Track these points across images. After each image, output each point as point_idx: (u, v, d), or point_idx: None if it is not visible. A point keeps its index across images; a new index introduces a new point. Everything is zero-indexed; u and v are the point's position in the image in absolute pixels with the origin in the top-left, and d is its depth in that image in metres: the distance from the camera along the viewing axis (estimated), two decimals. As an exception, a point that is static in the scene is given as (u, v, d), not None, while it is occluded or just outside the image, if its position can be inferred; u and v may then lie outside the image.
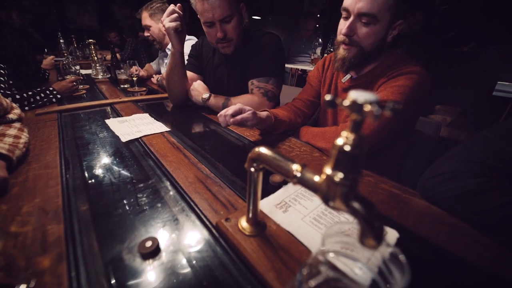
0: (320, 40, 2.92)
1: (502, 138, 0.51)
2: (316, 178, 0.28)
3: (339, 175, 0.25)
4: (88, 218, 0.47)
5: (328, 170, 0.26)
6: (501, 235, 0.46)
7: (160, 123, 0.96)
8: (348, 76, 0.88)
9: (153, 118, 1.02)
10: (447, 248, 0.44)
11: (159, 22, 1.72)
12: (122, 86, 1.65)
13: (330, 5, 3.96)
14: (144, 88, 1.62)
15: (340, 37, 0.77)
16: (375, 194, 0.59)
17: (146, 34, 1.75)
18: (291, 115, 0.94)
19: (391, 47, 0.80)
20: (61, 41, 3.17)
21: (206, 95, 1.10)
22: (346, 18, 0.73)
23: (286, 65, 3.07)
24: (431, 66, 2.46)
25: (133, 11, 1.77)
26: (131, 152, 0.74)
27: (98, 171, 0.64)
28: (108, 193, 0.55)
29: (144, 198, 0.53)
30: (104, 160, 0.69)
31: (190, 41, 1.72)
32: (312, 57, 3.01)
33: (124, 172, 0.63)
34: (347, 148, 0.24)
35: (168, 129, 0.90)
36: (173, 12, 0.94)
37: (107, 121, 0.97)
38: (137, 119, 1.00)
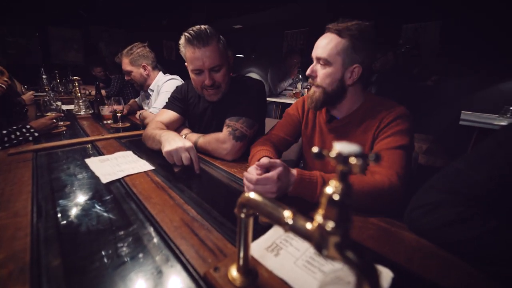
0: (300, 76, 3.12)
1: (471, 167, 0.55)
2: (309, 226, 0.28)
3: (330, 224, 0.25)
4: (59, 276, 0.42)
5: (319, 218, 0.26)
6: (483, 263, 0.47)
7: (144, 161, 0.94)
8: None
9: (136, 156, 0.99)
10: (442, 284, 0.43)
11: (140, 67, 1.74)
12: (105, 122, 1.62)
13: (307, 45, 4.33)
14: (128, 124, 1.61)
15: (309, 80, 0.90)
16: (365, 229, 0.59)
17: (127, 78, 1.77)
18: (275, 155, 0.94)
19: (362, 89, 0.89)
20: (44, 76, 3.16)
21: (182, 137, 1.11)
22: (313, 61, 0.88)
23: (272, 99, 3.21)
24: (403, 100, 2.67)
25: (120, 48, 1.81)
26: (112, 195, 0.70)
27: (74, 218, 0.59)
28: (84, 244, 0.50)
29: (124, 248, 0.49)
30: (81, 205, 0.65)
31: (175, 81, 1.76)
32: (294, 91, 3.18)
33: (104, 218, 0.59)
34: (336, 197, 0.24)
35: (152, 168, 0.88)
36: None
37: (87, 160, 0.93)
38: (120, 158, 0.97)
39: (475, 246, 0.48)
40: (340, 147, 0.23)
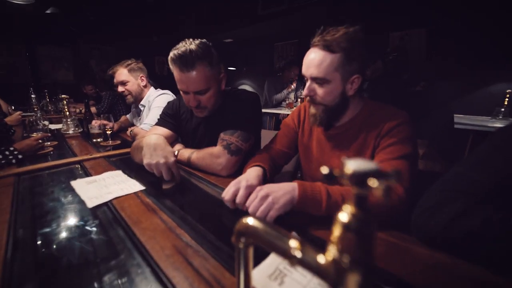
0: (293, 86, 3.14)
1: (470, 169, 0.57)
2: (321, 259, 0.23)
3: (347, 259, 0.21)
4: (31, 325, 0.36)
5: (333, 251, 0.22)
6: (487, 258, 0.48)
7: (134, 180, 0.88)
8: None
9: (126, 176, 0.94)
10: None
11: (138, 78, 1.75)
12: (94, 140, 1.56)
13: (297, 56, 4.40)
14: (119, 141, 1.55)
15: (305, 98, 0.87)
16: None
17: (121, 89, 1.74)
18: (271, 168, 0.91)
19: (360, 95, 0.87)
20: (32, 96, 3.10)
21: (174, 153, 1.06)
22: (307, 81, 0.83)
23: (266, 110, 3.20)
24: (395, 105, 2.71)
25: (112, 65, 1.79)
26: (98, 220, 0.64)
27: (55, 251, 0.53)
28: (64, 282, 0.44)
29: (109, 284, 0.43)
30: (63, 234, 0.59)
31: (166, 96, 1.74)
32: (287, 102, 3.18)
33: (87, 249, 0.53)
34: (353, 226, 0.20)
35: (142, 188, 0.82)
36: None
37: (72, 182, 0.87)
38: (108, 178, 0.91)
39: (481, 236, 0.49)
40: (354, 165, 0.19)
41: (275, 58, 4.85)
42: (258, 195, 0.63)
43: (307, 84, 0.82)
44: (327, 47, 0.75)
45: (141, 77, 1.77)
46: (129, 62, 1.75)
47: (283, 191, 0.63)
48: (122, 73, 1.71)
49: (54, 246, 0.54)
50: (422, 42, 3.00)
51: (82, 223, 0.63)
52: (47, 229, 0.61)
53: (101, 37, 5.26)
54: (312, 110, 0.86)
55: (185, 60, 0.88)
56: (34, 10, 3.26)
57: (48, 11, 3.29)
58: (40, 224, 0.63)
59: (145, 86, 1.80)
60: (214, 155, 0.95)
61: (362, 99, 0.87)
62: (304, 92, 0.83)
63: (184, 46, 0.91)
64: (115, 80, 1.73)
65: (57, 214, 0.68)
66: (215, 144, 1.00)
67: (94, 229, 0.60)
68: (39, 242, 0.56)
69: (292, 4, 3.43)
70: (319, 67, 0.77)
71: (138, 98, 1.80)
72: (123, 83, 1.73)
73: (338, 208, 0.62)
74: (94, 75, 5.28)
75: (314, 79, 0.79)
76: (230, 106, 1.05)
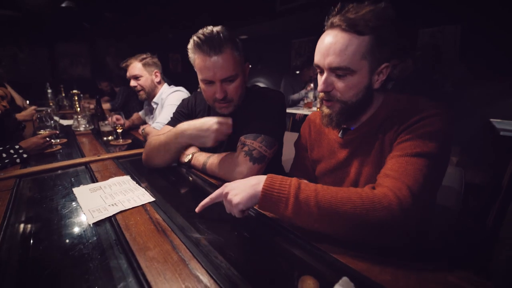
0: (312, 85, 2.98)
1: None
2: None
3: None
4: None
5: None
6: None
7: (143, 190, 0.77)
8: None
9: (134, 183, 0.83)
10: None
11: (152, 74, 1.67)
12: (105, 138, 1.48)
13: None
14: (129, 140, 1.46)
15: (320, 94, 0.70)
16: None
17: (133, 83, 1.66)
18: None
19: (383, 89, 0.70)
20: (49, 91, 3.10)
21: (188, 157, 0.95)
22: (321, 73, 0.66)
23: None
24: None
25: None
26: (97, 242, 0.53)
27: (41, 284, 0.42)
28: None
29: None
30: (55, 259, 0.48)
31: (180, 93, 1.64)
32: (305, 101, 3.02)
33: (81, 284, 0.42)
34: None
35: (151, 199, 0.71)
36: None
37: (75, 190, 0.78)
38: (114, 185, 0.81)
39: None
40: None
41: (292, 55, 4.68)
42: (222, 193, 0.59)
43: (324, 76, 0.65)
44: (353, 27, 0.58)
45: (155, 73, 1.69)
46: (144, 56, 1.67)
47: (243, 186, 0.56)
48: (135, 67, 1.63)
49: (42, 276, 0.44)
50: (456, 39, 2.74)
51: (80, 246, 0.52)
52: (37, 253, 0.50)
53: (117, 33, 5.28)
54: (326, 110, 0.70)
55: (212, 43, 0.78)
56: (50, 5, 3.27)
57: (63, 5, 3.28)
58: (32, 245, 0.53)
59: (159, 83, 1.72)
60: (234, 162, 0.83)
61: (383, 91, 0.70)
62: (320, 87, 0.66)
63: (208, 30, 0.81)
64: (128, 74, 1.66)
65: (53, 231, 0.58)
66: (234, 148, 0.88)
67: (92, 255, 0.49)
68: (24, 269, 0.46)
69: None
70: (342, 53, 0.60)
71: (151, 94, 1.71)
72: (136, 77, 1.65)
73: (306, 212, 0.47)
74: (110, 71, 5.32)
75: (334, 70, 0.62)
76: (254, 105, 0.92)
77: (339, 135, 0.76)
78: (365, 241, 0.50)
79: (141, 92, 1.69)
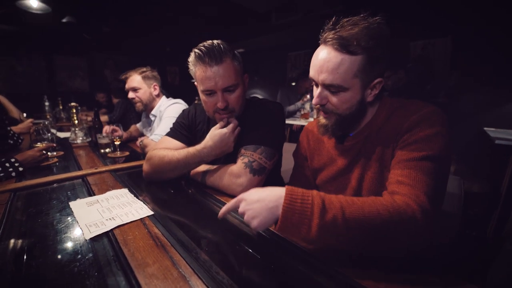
0: (308, 96, 3.02)
1: None
2: None
3: None
4: None
5: None
6: None
7: (141, 203, 0.76)
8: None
9: (132, 196, 0.82)
10: None
11: (151, 86, 1.69)
12: (102, 151, 1.47)
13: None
14: (127, 153, 1.45)
15: (315, 106, 0.71)
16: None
17: (131, 95, 1.68)
18: None
19: (379, 99, 0.72)
20: (46, 103, 3.10)
21: None
22: (317, 86, 0.68)
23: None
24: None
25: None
26: (94, 259, 0.51)
27: (34, 305, 0.41)
28: None
29: None
30: (50, 277, 0.47)
31: (178, 105, 1.66)
32: (302, 112, 3.06)
33: (76, 305, 0.40)
34: None
35: (150, 213, 0.70)
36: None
37: (71, 203, 0.76)
38: (112, 198, 0.79)
39: None
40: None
41: (288, 67, 4.77)
42: (239, 210, 0.55)
43: (318, 90, 0.67)
44: (345, 47, 0.59)
45: (154, 86, 1.71)
46: (144, 69, 1.70)
47: (260, 208, 0.51)
48: (134, 80, 1.66)
49: (35, 298, 0.42)
50: (447, 50, 2.83)
51: (76, 263, 0.50)
52: (30, 271, 0.48)
53: (115, 47, 5.35)
54: (322, 120, 0.72)
55: (213, 53, 0.81)
56: (51, 20, 3.32)
57: (64, 20, 3.34)
58: (24, 261, 0.51)
59: (157, 95, 1.74)
60: (233, 173, 0.82)
61: (379, 98, 0.72)
62: (314, 100, 0.68)
63: (208, 43, 0.84)
64: (126, 86, 1.68)
65: (47, 247, 0.56)
66: (234, 160, 0.87)
67: (88, 273, 0.47)
68: (19, 286, 0.44)
69: (307, 14, 3.36)
70: (334, 72, 0.61)
71: (148, 106, 1.73)
72: (135, 90, 1.67)
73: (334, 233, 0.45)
74: (108, 84, 5.35)
75: (328, 87, 0.65)
76: (253, 116, 0.93)
77: (338, 142, 0.77)
78: (389, 252, 0.49)
79: (138, 104, 1.70)
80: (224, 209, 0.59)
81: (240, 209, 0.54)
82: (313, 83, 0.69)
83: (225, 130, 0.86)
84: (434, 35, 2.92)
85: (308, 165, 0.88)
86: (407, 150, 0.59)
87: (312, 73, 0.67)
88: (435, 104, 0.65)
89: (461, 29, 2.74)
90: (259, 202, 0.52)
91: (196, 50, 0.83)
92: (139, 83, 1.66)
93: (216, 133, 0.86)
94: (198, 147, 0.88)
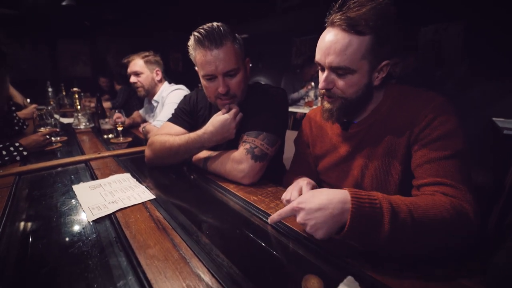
0: (313, 83, 2.96)
1: None
2: None
3: None
4: None
5: None
6: None
7: (143, 187, 0.77)
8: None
9: (135, 180, 0.82)
10: None
11: (153, 72, 1.66)
12: (105, 136, 1.48)
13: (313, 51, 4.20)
14: (130, 138, 1.46)
15: (321, 90, 0.69)
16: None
17: (133, 79, 1.65)
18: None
19: (385, 84, 0.70)
20: (49, 89, 3.10)
21: None
22: (322, 70, 0.66)
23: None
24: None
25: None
26: (97, 240, 0.52)
27: (40, 281, 0.42)
28: None
29: None
30: (54, 257, 0.48)
31: (181, 91, 1.64)
32: (306, 100, 3.01)
33: (80, 282, 0.41)
34: None
35: (152, 197, 0.70)
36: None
37: (74, 187, 0.77)
38: (114, 183, 0.80)
39: None
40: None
41: (293, 53, 4.65)
42: (297, 220, 0.50)
43: (324, 74, 0.65)
44: (353, 27, 0.57)
45: (156, 71, 1.68)
46: (147, 53, 1.66)
47: (323, 217, 0.46)
48: (137, 64, 1.63)
49: (40, 274, 0.43)
50: (459, 36, 2.72)
51: (78, 244, 0.51)
52: (35, 251, 0.50)
53: (118, 32, 5.26)
54: (327, 105, 0.70)
55: (212, 37, 0.78)
56: (50, 4, 3.25)
57: (64, 3, 3.26)
58: (29, 242, 0.52)
59: (159, 81, 1.71)
60: (235, 160, 0.82)
61: (385, 84, 0.70)
62: (321, 85, 0.66)
63: (208, 25, 0.80)
64: (128, 70, 1.65)
65: (52, 228, 0.57)
66: (236, 147, 0.87)
67: (91, 253, 0.48)
68: (23, 267, 0.45)
69: (314, -4, 3.23)
70: (343, 54, 0.59)
71: (150, 92, 1.71)
72: (137, 74, 1.64)
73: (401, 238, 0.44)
74: (110, 69, 5.31)
75: (335, 69, 0.63)
76: (256, 102, 0.91)
77: (342, 128, 0.76)
78: (443, 252, 0.49)
79: (140, 89, 1.68)
80: (276, 216, 0.54)
81: (300, 219, 0.49)
82: (319, 68, 0.67)
83: (226, 116, 0.84)
84: (447, 19, 2.79)
85: (310, 152, 0.87)
86: (434, 147, 0.58)
87: (318, 56, 0.64)
88: (443, 92, 0.63)
89: (474, 16, 2.61)
90: (322, 211, 0.47)
91: (196, 33, 0.80)
92: (141, 68, 1.63)
93: (218, 119, 0.85)
94: (199, 132, 0.87)
